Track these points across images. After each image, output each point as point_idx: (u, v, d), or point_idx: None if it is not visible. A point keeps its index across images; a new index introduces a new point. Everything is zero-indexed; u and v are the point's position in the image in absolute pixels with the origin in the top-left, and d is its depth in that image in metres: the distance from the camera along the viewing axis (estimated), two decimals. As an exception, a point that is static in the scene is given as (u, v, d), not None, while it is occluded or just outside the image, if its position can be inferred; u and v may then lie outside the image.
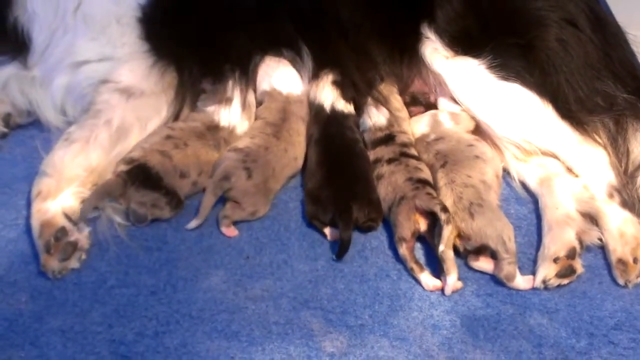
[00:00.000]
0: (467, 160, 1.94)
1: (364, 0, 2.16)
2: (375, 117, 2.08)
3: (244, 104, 2.09)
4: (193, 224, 1.87)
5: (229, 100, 2.07)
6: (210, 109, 2.06)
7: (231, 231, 1.88)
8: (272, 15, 2.14)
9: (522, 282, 1.75)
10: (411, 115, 2.14)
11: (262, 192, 1.91)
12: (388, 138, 2.02)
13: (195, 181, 1.94)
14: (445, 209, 1.77)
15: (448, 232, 1.74)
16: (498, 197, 1.92)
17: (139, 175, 1.87)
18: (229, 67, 2.10)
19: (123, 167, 1.89)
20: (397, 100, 2.13)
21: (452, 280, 1.73)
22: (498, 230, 1.76)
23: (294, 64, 2.15)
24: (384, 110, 2.09)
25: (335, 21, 2.14)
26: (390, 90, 2.14)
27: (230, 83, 2.09)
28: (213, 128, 2.03)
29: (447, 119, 2.07)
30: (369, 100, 2.12)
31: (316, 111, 2.10)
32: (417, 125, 2.10)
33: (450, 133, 2.04)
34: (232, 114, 2.06)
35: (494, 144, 2.06)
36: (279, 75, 2.12)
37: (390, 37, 2.13)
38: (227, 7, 2.13)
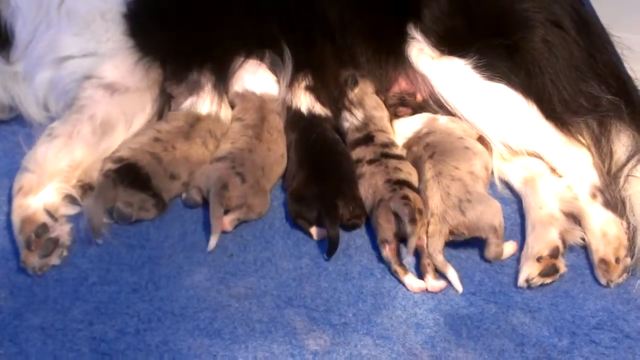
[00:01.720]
0: (455, 151, 1.94)
1: (348, 1, 2.15)
2: (351, 119, 2.08)
3: (218, 91, 2.08)
4: (212, 242, 1.80)
5: (201, 88, 2.06)
6: (187, 104, 2.05)
7: (226, 225, 1.86)
8: (258, 14, 2.13)
9: (508, 250, 1.82)
10: (399, 115, 2.13)
11: (259, 192, 1.90)
12: (367, 138, 2.02)
13: (187, 182, 1.94)
14: (413, 220, 1.77)
15: (413, 244, 1.76)
16: (486, 188, 1.93)
17: (129, 174, 1.85)
18: (204, 60, 2.09)
19: (111, 166, 1.87)
20: (372, 99, 2.12)
21: (453, 275, 1.75)
22: (489, 220, 1.78)
23: (274, 66, 2.14)
24: (359, 111, 2.08)
25: (321, 22, 2.13)
26: (364, 91, 2.13)
27: (201, 73, 2.08)
28: (196, 122, 2.02)
29: (444, 118, 2.08)
30: (345, 102, 2.11)
31: (293, 116, 2.09)
32: (411, 124, 2.09)
33: (442, 128, 2.04)
34: (209, 101, 2.05)
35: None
36: (253, 77, 2.11)
37: (376, 38, 2.13)
38: (212, 4, 2.12)
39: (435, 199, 1.83)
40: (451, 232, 1.79)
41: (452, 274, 1.76)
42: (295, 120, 2.08)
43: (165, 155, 1.92)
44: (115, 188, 1.83)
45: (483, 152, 1.98)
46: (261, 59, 2.13)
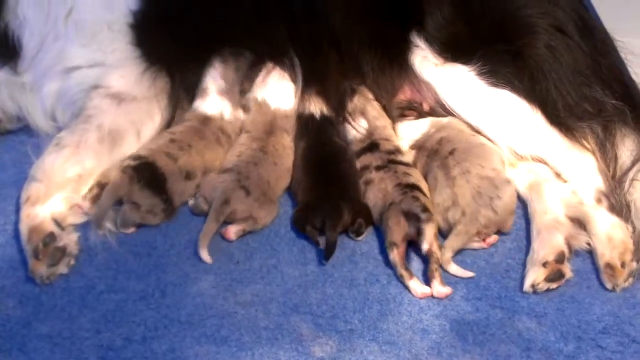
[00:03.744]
0: (476, 149, 1.96)
1: (354, 9, 2.17)
2: (354, 131, 2.09)
3: (221, 92, 2.11)
4: (205, 257, 1.80)
5: (205, 91, 2.10)
6: (196, 104, 2.10)
7: (231, 236, 1.87)
8: (265, 24, 2.15)
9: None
10: (405, 116, 2.14)
11: (266, 204, 1.91)
12: (372, 146, 2.03)
13: (200, 183, 1.96)
14: (425, 209, 1.80)
15: (431, 231, 1.77)
16: None
17: (146, 173, 1.87)
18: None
19: (130, 162, 1.89)
20: (374, 109, 2.13)
21: (457, 270, 1.79)
22: (511, 209, 1.87)
23: (285, 74, 2.15)
24: (362, 121, 2.09)
25: (326, 31, 2.15)
26: (366, 100, 2.14)
27: (205, 74, 2.11)
28: (206, 121, 2.05)
29: (447, 118, 2.09)
30: (347, 112, 2.12)
31: (306, 121, 2.10)
32: (416, 129, 2.11)
33: (449, 125, 2.06)
34: (213, 102, 2.09)
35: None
36: (274, 88, 2.13)
37: (380, 47, 2.14)
38: (219, 15, 2.13)
39: (466, 198, 1.84)
40: (479, 234, 1.81)
41: (455, 269, 1.78)
42: (306, 128, 2.09)
43: (182, 155, 1.94)
44: (131, 185, 1.85)
45: (497, 147, 2.01)
46: (277, 69, 2.15)
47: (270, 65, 2.15)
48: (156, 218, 1.89)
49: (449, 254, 1.78)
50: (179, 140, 1.98)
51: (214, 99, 2.10)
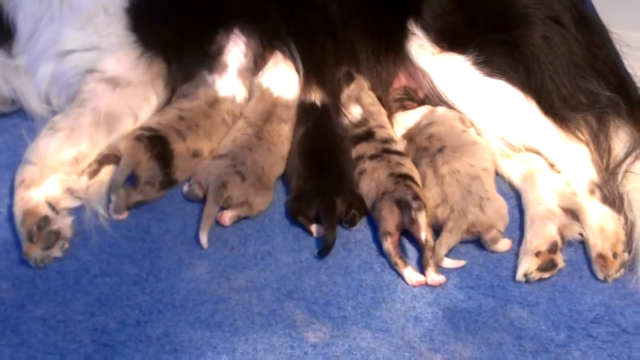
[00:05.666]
0: (466, 146, 1.96)
1: None
2: (349, 116, 2.09)
3: (240, 71, 2.12)
4: (203, 239, 1.81)
5: (224, 68, 2.11)
6: (212, 78, 2.10)
7: (225, 221, 1.87)
8: (261, 11, 2.14)
9: (503, 245, 1.84)
10: (407, 108, 2.14)
11: (261, 189, 1.91)
12: (367, 134, 2.03)
13: (194, 169, 1.96)
14: (417, 197, 1.80)
15: (424, 219, 1.78)
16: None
17: (158, 146, 1.89)
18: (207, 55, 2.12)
19: (143, 132, 1.91)
20: (369, 96, 2.13)
21: (451, 263, 1.80)
22: (502, 214, 1.84)
23: (291, 63, 2.15)
24: (357, 107, 2.10)
25: (322, 17, 2.14)
26: (360, 87, 2.14)
27: (225, 51, 2.11)
28: (215, 102, 2.06)
29: (441, 109, 2.10)
30: (341, 99, 2.13)
31: (307, 109, 2.10)
32: (410, 117, 2.11)
33: (442, 119, 2.06)
34: (229, 83, 2.10)
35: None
36: (280, 76, 2.12)
37: (377, 34, 2.14)
38: (215, 1, 2.12)
39: (456, 196, 1.84)
40: (467, 231, 1.81)
41: (447, 262, 1.79)
42: (306, 115, 2.09)
43: (190, 134, 1.96)
44: (144, 154, 1.86)
45: (488, 144, 2.01)
46: (285, 57, 2.14)
47: (278, 53, 2.14)
48: (153, 189, 1.89)
49: (444, 251, 1.79)
50: (187, 118, 2.00)
51: (231, 79, 2.10)
